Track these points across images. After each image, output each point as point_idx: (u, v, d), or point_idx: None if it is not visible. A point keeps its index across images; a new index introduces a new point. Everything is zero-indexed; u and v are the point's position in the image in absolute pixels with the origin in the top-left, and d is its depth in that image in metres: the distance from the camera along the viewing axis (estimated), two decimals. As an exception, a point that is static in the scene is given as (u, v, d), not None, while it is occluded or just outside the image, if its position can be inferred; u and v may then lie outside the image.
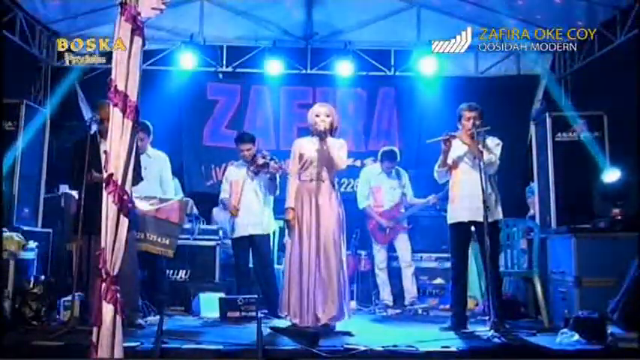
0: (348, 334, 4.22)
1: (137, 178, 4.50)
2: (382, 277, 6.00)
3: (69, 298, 4.38)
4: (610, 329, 3.84)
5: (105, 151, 3.04)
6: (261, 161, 5.29)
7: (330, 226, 4.41)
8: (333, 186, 4.58)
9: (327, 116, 4.57)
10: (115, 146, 2.96)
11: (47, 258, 5.47)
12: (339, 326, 4.40)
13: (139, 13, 3.03)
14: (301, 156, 4.59)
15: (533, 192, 6.35)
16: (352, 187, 7.28)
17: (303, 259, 4.39)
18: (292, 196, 4.57)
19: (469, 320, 4.76)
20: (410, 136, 7.55)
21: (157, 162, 5.46)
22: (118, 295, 2.89)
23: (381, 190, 6.10)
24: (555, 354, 3.65)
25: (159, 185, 5.40)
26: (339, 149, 4.54)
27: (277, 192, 5.47)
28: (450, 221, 4.75)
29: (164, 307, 5.06)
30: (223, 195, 5.58)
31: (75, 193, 5.53)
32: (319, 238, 4.39)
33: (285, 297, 4.47)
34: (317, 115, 4.58)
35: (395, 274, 6.07)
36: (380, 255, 6.04)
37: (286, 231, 4.62)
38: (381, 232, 6.00)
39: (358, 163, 7.41)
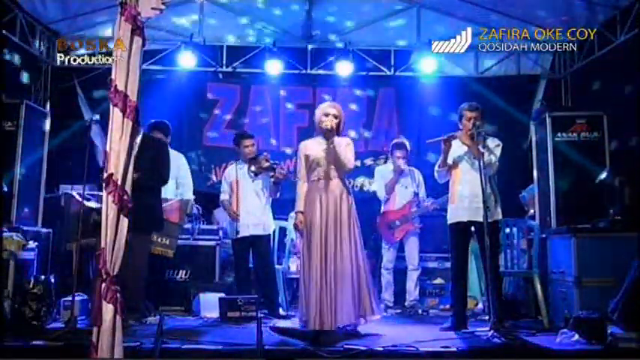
0: (348, 334, 4.21)
1: (159, 179, 4.52)
2: (387, 277, 5.98)
3: (69, 298, 4.38)
4: (610, 329, 3.84)
5: (105, 151, 3.04)
6: (265, 164, 5.29)
7: (343, 223, 4.31)
8: (344, 183, 4.48)
9: (336, 117, 4.48)
10: (115, 146, 2.96)
11: (47, 258, 5.47)
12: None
13: (139, 13, 3.04)
14: (307, 157, 4.51)
15: (527, 195, 6.35)
16: (352, 187, 7.30)
17: (316, 263, 4.24)
18: (302, 199, 4.47)
19: (469, 320, 4.76)
20: (410, 136, 7.53)
21: (173, 162, 5.45)
22: (118, 295, 2.89)
23: (394, 188, 6.08)
24: (555, 354, 3.65)
25: (174, 185, 5.40)
26: (345, 148, 4.46)
27: (278, 195, 5.46)
28: (449, 221, 4.75)
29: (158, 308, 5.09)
30: (223, 197, 5.58)
31: (75, 194, 5.55)
32: (332, 237, 4.27)
33: (302, 303, 4.29)
34: (326, 115, 4.49)
35: (398, 274, 6.05)
36: (389, 254, 6.00)
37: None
38: (390, 231, 5.98)
39: (358, 163, 7.40)
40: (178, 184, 5.44)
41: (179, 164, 5.52)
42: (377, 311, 4.35)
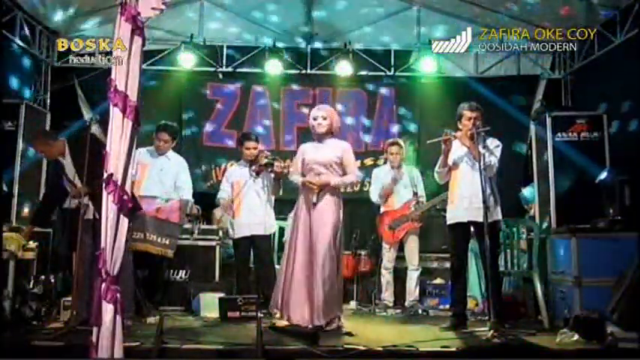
0: (348, 334, 4.22)
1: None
2: (387, 278, 5.97)
3: (69, 298, 4.38)
4: (610, 329, 3.84)
5: (105, 151, 3.03)
6: (264, 161, 5.29)
7: (326, 229, 4.39)
8: (334, 188, 4.55)
9: (324, 119, 4.59)
10: (115, 146, 2.96)
11: (47, 258, 5.47)
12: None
13: (139, 13, 3.03)
14: (304, 160, 4.63)
15: (526, 195, 6.35)
16: (352, 187, 7.28)
17: (296, 260, 4.42)
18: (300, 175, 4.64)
19: (469, 320, 4.76)
20: (410, 137, 7.56)
21: (174, 165, 5.47)
22: (118, 295, 2.88)
23: (393, 188, 6.07)
24: (555, 354, 3.65)
25: (174, 188, 5.41)
26: (354, 165, 4.65)
27: (280, 192, 5.46)
28: (449, 221, 4.75)
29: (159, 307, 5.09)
30: (221, 194, 5.57)
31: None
32: (313, 240, 4.39)
33: (278, 295, 4.49)
34: (314, 119, 4.63)
35: (398, 274, 6.05)
36: (389, 254, 5.99)
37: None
38: (390, 230, 5.97)
39: (358, 163, 7.41)
40: (177, 187, 5.44)
41: (179, 168, 5.52)
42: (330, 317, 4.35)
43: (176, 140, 5.56)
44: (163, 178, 5.36)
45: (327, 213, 4.45)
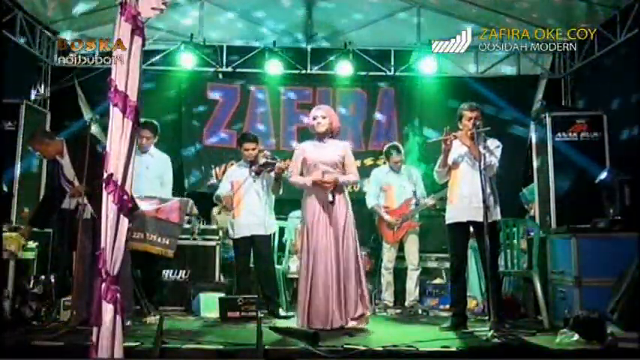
0: (349, 334, 4.22)
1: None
2: (388, 278, 5.97)
3: (69, 298, 4.38)
4: (610, 329, 3.84)
5: (105, 151, 3.03)
6: (263, 161, 5.28)
7: (349, 227, 4.47)
8: (343, 188, 4.60)
9: (324, 118, 4.63)
10: (115, 146, 2.96)
11: (47, 258, 5.47)
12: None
13: (139, 13, 3.03)
14: (305, 160, 4.63)
15: (527, 197, 6.35)
16: (352, 187, 7.29)
17: (320, 262, 4.40)
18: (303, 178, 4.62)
19: (469, 320, 4.76)
20: (410, 137, 7.56)
21: (159, 163, 5.48)
22: (118, 295, 2.89)
23: (392, 188, 6.06)
24: (555, 354, 3.64)
25: (159, 186, 5.42)
26: (353, 167, 4.66)
27: (281, 192, 5.47)
28: (448, 221, 4.74)
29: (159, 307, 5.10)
30: (219, 191, 5.56)
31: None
32: (333, 239, 4.42)
33: (304, 305, 4.40)
34: (314, 118, 4.65)
35: (398, 274, 6.05)
36: (389, 254, 5.99)
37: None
38: (390, 230, 5.97)
39: (358, 163, 7.40)
40: (162, 184, 5.47)
41: (165, 166, 5.55)
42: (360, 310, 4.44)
43: (157, 135, 5.55)
44: (149, 176, 5.37)
45: (345, 213, 4.50)
